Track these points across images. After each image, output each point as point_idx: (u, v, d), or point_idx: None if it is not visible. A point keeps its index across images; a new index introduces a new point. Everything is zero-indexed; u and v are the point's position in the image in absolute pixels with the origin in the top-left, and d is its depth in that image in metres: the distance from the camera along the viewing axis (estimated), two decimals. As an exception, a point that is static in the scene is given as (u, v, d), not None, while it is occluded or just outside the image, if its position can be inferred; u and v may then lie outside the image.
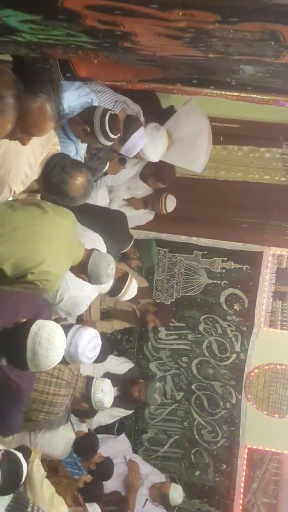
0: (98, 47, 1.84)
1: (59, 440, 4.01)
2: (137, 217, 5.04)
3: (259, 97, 2.88)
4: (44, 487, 3.54)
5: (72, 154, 3.32)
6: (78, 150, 3.44)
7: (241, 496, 5.43)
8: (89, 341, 3.23)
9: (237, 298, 5.41)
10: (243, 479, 5.43)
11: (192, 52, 1.74)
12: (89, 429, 4.57)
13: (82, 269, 3.22)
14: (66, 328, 3.16)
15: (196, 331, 5.49)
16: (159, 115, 4.41)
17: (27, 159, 2.75)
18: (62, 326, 2.78)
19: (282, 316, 5.35)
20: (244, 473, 5.43)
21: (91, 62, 2.33)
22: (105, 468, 4.52)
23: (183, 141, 4.37)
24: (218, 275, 5.43)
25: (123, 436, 5.46)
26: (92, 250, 3.25)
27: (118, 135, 3.47)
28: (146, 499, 5.05)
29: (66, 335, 2.82)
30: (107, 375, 4.85)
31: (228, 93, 2.86)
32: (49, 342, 2.53)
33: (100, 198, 4.53)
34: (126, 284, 3.81)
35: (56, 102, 2.30)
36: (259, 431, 5.36)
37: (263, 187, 5.13)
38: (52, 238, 2.98)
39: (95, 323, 4.99)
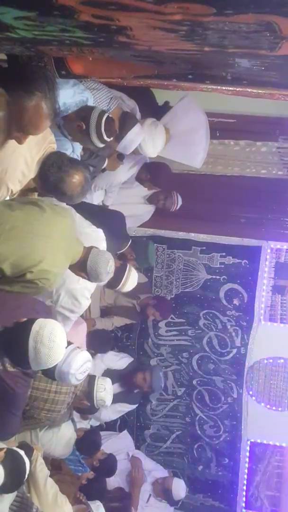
0: (93, 42, 1.83)
1: (60, 439, 4.01)
2: (142, 214, 5.04)
3: (254, 91, 2.88)
4: (47, 486, 3.54)
5: (68, 152, 3.32)
6: (74, 148, 3.43)
7: (244, 489, 5.46)
8: (82, 364, 3.20)
9: (236, 293, 5.41)
10: (245, 472, 5.45)
11: (188, 45, 1.73)
12: (91, 426, 4.58)
13: (81, 267, 3.22)
14: None
15: (196, 327, 5.49)
16: (155, 110, 4.41)
17: (24, 157, 2.74)
18: None
19: (281, 310, 5.36)
20: (246, 467, 5.45)
21: (86, 59, 2.33)
22: (108, 465, 4.53)
23: (181, 136, 4.36)
24: (217, 271, 5.43)
25: (125, 433, 5.47)
26: (91, 248, 3.24)
27: (111, 138, 3.46)
28: (150, 495, 5.08)
29: None
30: (107, 371, 4.86)
31: (224, 87, 2.85)
32: (51, 340, 2.53)
33: (96, 199, 4.52)
34: (125, 274, 3.81)
35: (52, 100, 2.29)
36: (261, 425, 5.38)
37: (260, 182, 5.14)
38: (51, 236, 2.97)
39: (95, 321, 5.00)
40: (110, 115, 3.43)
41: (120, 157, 4.18)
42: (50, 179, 2.88)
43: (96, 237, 3.70)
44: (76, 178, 2.91)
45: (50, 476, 3.64)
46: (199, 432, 5.57)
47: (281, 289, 5.38)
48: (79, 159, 3.50)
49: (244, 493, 5.46)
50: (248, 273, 5.37)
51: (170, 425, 5.64)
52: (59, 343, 2.57)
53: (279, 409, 5.36)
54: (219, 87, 2.89)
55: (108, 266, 3.22)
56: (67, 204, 3.24)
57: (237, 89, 2.88)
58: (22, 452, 2.96)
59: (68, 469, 4.34)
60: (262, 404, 5.39)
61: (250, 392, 5.40)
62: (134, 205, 4.93)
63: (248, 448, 5.45)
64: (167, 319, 5.42)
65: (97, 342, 4.72)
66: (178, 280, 5.52)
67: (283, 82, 2.50)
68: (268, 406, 5.38)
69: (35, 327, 2.56)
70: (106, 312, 5.22)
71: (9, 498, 2.95)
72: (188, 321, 5.52)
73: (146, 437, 5.67)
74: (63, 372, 3.06)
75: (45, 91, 2.24)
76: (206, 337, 5.48)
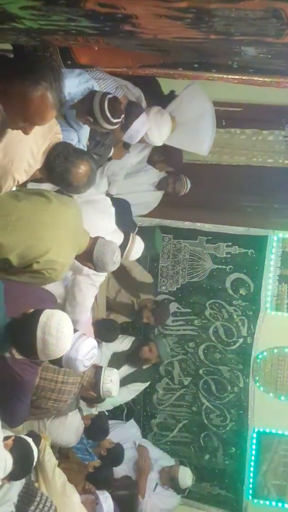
0: (99, 31, 1.82)
1: (67, 428, 4.04)
2: (151, 201, 5.04)
3: (261, 79, 2.87)
4: (56, 476, 3.58)
5: (74, 142, 3.31)
6: (80, 138, 3.42)
7: (251, 478, 5.48)
8: (89, 350, 3.23)
9: (242, 282, 5.41)
10: (252, 461, 5.47)
11: (194, 33, 1.72)
12: (99, 412, 4.60)
13: (88, 257, 3.23)
14: None
15: (202, 317, 5.50)
16: (161, 98, 4.39)
17: (30, 148, 2.74)
18: None
19: (288, 299, 5.36)
20: (253, 456, 5.47)
21: (91, 49, 2.32)
22: (115, 454, 4.57)
23: (187, 124, 4.35)
24: (223, 260, 5.43)
25: (132, 422, 5.50)
26: (97, 238, 3.25)
27: (122, 116, 3.45)
28: (156, 483, 5.11)
29: None
30: (114, 355, 4.89)
31: (230, 76, 2.84)
32: (59, 331, 2.55)
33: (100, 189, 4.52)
34: (129, 244, 3.85)
35: (58, 90, 2.28)
36: (268, 414, 5.40)
37: (266, 171, 5.12)
38: (57, 227, 2.98)
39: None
40: (111, 96, 3.41)
41: (126, 145, 4.18)
42: (56, 169, 2.87)
43: (105, 203, 3.80)
44: (82, 168, 2.90)
45: (58, 464, 3.67)
46: (205, 421, 5.59)
47: (287, 279, 5.37)
48: (85, 149, 3.50)
49: (251, 482, 5.49)
50: (254, 262, 5.36)
51: (176, 414, 5.67)
52: (67, 334, 2.59)
53: (286, 398, 5.37)
54: (225, 76, 2.87)
55: (114, 256, 3.23)
56: (73, 194, 3.24)
57: (243, 78, 2.86)
58: (30, 440, 3.00)
59: (75, 457, 4.38)
60: (269, 393, 5.41)
61: (257, 382, 5.42)
62: (143, 193, 4.92)
63: (254, 437, 5.46)
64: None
65: (104, 331, 4.74)
66: (184, 270, 5.52)
67: (289, 70, 2.48)
68: (274, 396, 5.39)
69: (43, 318, 2.57)
70: (107, 306, 5.23)
71: (18, 485, 2.98)
72: (194, 311, 5.52)
73: (153, 426, 5.70)
74: (71, 359, 3.08)
75: (51, 81, 2.23)
76: (212, 327, 5.49)
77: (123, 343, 5.09)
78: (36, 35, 2.09)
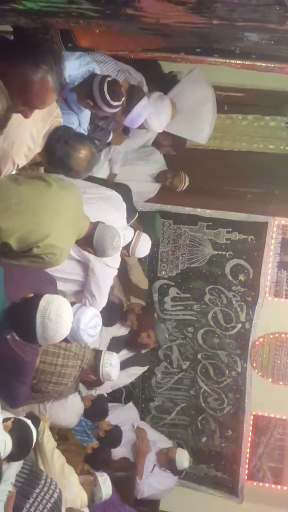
0: (100, 14, 1.81)
1: (67, 409, 4.08)
2: (148, 192, 5.05)
3: (263, 64, 2.85)
4: (54, 457, 3.61)
5: (75, 126, 3.29)
6: (81, 122, 3.40)
7: (247, 461, 5.55)
8: (91, 318, 3.25)
9: (242, 268, 5.42)
10: (248, 444, 5.53)
11: (196, 18, 1.71)
12: (98, 394, 4.64)
13: (87, 242, 3.23)
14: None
15: (202, 302, 5.52)
16: (162, 84, 4.36)
17: (30, 132, 2.72)
18: None
19: (287, 285, 5.37)
20: (249, 439, 5.53)
21: (93, 32, 2.30)
22: (114, 436, 4.61)
23: (187, 111, 4.33)
24: (223, 246, 5.43)
25: (130, 405, 5.54)
26: (97, 223, 3.25)
27: (122, 99, 3.42)
28: (154, 465, 5.15)
29: None
30: (113, 340, 4.92)
31: (232, 61, 2.82)
32: (58, 316, 2.55)
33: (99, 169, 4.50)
34: (133, 240, 3.91)
35: (58, 73, 2.26)
36: (264, 398, 5.44)
37: (268, 157, 5.11)
38: (57, 211, 2.97)
39: None
40: (111, 78, 3.38)
41: (126, 131, 4.15)
42: (57, 154, 2.86)
43: (117, 199, 3.87)
44: (83, 153, 2.89)
45: (57, 446, 3.71)
46: (203, 404, 5.63)
47: (287, 265, 5.38)
48: (86, 133, 3.48)
49: (247, 464, 5.55)
50: (254, 249, 5.37)
51: (174, 397, 5.71)
52: (66, 319, 2.60)
53: (282, 383, 5.42)
54: (227, 61, 2.86)
55: (114, 241, 3.23)
56: (73, 178, 3.23)
57: (246, 63, 2.85)
58: (29, 422, 3.02)
59: (74, 439, 4.42)
60: (266, 378, 5.45)
61: (254, 365, 5.45)
62: (141, 183, 4.93)
63: (251, 420, 5.51)
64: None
65: (105, 315, 4.75)
66: (184, 255, 5.52)
67: (292, 56, 2.47)
68: (271, 380, 5.44)
69: (42, 303, 2.57)
70: None
71: (16, 465, 3.02)
72: (194, 296, 5.54)
73: (151, 409, 5.75)
74: (73, 330, 3.05)
75: (51, 64, 2.20)
76: (211, 312, 5.51)
77: (122, 328, 5.11)
78: (37, 17, 2.07)
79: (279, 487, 5.53)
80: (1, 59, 2.11)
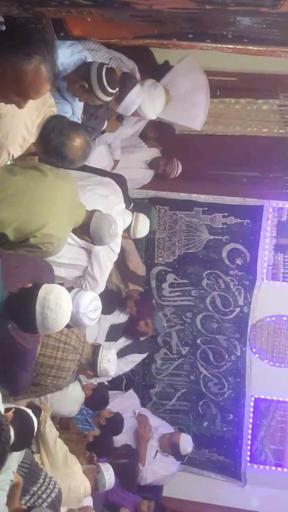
0: (92, 2, 1.80)
1: (68, 398, 4.09)
2: (141, 178, 5.05)
3: (255, 48, 2.85)
4: (57, 447, 3.64)
5: (68, 115, 3.28)
6: (74, 111, 3.39)
7: (249, 444, 5.59)
8: (90, 301, 3.26)
9: (239, 252, 5.43)
10: (250, 427, 5.58)
11: (189, 4, 1.70)
12: (98, 382, 4.66)
13: (84, 231, 3.23)
14: (68, 290, 3.20)
15: (199, 287, 5.54)
16: (155, 71, 4.34)
17: (24, 122, 2.71)
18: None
19: (284, 268, 5.39)
20: (251, 422, 5.57)
21: (84, 20, 2.28)
22: (115, 423, 4.64)
23: (181, 98, 4.32)
24: (219, 231, 5.44)
25: (131, 392, 5.57)
26: (94, 211, 3.25)
27: (117, 89, 3.41)
28: (157, 451, 5.20)
29: None
30: (111, 327, 4.94)
31: (224, 46, 2.81)
32: (58, 305, 2.56)
33: (98, 156, 4.49)
34: (133, 222, 4.00)
35: (51, 63, 2.25)
36: (265, 381, 5.48)
37: (261, 140, 5.09)
38: (53, 200, 2.98)
39: None
40: (109, 66, 3.37)
41: (120, 118, 4.14)
42: (51, 143, 2.85)
43: (114, 184, 3.92)
44: (78, 141, 2.88)
45: (59, 435, 3.74)
46: (203, 389, 5.67)
47: (283, 248, 5.40)
48: (80, 122, 3.47)
49: (249, 447, 5.60)
50: (250, 232, 5.38)
51: (175, 383, 5.75)
52: (66, 308, 2.60)
53: (282, 365, 5.46)
54: (219, 45, 2.85)
55: (111, 229, 3.24)
56: (68, 168, 3.23)
57: (238, 47, 2.84)
58: (30, 411, 3.04)
59: (75, 428, 4.45)
60: (266, 361, 5.48)
61: (254, 350, 5.49)
62: (135, 169, 4.95)
63: (252, 404, 5.56)
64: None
65: (103, 303, 4.77)
66: (180, 241, 5.53)
67: (284, 39, 2.46)
68: (271, 363, 5.48)
69: (41, 292, 2.58)
70: None
71: (18, 455, 3.04)
72: (191, 281, 5.55)
73: (152, 396, 5.78)
74: (73, 314, 3.03)
75: (44, 54, 2.19)
76: (209, 297, 5.53)
77: (121, 315, 5.13)
78: (29, 6, 2.05)
79: (280, 469, 5.59)
80: (-7, 50, 2.10)
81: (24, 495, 3.02)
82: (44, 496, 3.09)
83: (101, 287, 4.02)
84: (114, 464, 4.29)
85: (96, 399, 4.34)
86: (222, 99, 5.00)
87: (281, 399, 5.54)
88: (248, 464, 5.62)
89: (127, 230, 4.14)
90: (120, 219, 3.82)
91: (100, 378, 4.60)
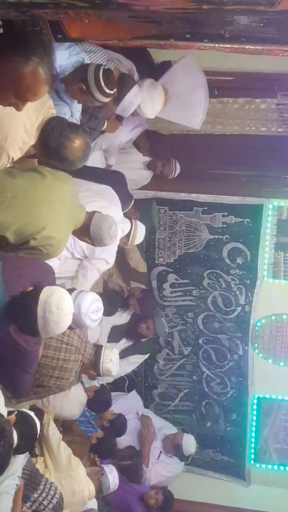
0: (90, 4, 1.80)
1: (71, 400, 4.09)
2: (140, 179, 5.06)
3: (252, 47, 2.84)
4: (61, 450, 3.64)
5: (67, 117, 3.28)
6: (73, 112, 3.39)
7: (253, 443, 5.59)
8: (92, 302, 3.27)
9: (239, 251, 5.43)
10: (253, 427, 5.57)
11: (186, 4, 1.71)
12: (101, 384, 4.66)
13: (84, 232, 3.24)
14: (69, 292, 3.21)
15: (201, 287, 5.54)
16: (153, 70, 4.35)
17: (23, 124, 2.72)
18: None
19: (284, 266, 5.39)
20: (254, 421, 5.57)
21: (82, 22, 2.28)
22: (118, 425, 4.64)
23: (179, 97, 4.32)
24: (220, 230, 5.44)
25: (134, 393, 5.57)
26: (93, 212, 3.25)
27: (115, 89, 3.41)
28: (160, 452, 5.20)
29: None
30: (113, 328, 4.94)
31: (222, 45, 2.81)
32: (59, 308, 2.56)
33: (92, 162, 4.50)
34: (132, 230, 4.07)
35: (49, 65, 2.25)
36: (267, 380, 5.48)
37: (260, 139, 5.09)
38: (53, 202, 2.98)
39: None
40: (106, 67, 3.37)
41: (119, 118, 4.15)
42: (51, 145, 2.85)
43: (112, 193, 3.97)
44: (77, 143, 2.88)
45: (62, 438, 3.73)
46: (206, 389, 5.67)
47: (284, 246, 5.40)
48: (79, 123, 3.47)
49: (253, 447, 5.60)
50: (251, 231, 5.38)
51: (177, 383, 5.74)
52: (67, 310, 2.61)
53: (285, 364, 5.45)
54: (217, 45, 2.84)
55: (111, 230, 3.24)
56: (68, 169, 3.23)
57: (235, 46, 2.84)
58: (32, 414, 3.04)
59: (78, 430, 4.44)
60: (268, 360, 5.48)
61: (256, 349, 5.48)
62: (134, 170, 4.95)
63: (255, 403, 5.55)
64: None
65: (105, 304, 4.77)
66: (181, 241, 5.53)
67: (282, 38, 2.46)
68: (273, 362, 5.47)
69: (43, 295, 2.58)
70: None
71: (22, 458, 3.04)
72: (192, 281, 5.56)
73: (154, 396, 5.78)
74: (75, 315, 3.06)
75: (42, 56, 2.20)
76: (211, 296, 5.53)
77: (122, 316, 5.13)
78: (26, 8, 2.05)
79: (286, 468, 5.57)
80: (-9, 53, 2.10)
81: (25, 502, 3.01)
82: (45, 502, 3.09)
83: None
84: (117, 465, 4.29)
85: (98, 401, 4.34)
86: (220, 98, 5.00)
87: (284, 397, 5.53)
88: (252, 463, 5.61)
89: (125, 237, 4.20)
90: (119, 228, 3.82)
91: (102, 378, 4.63)
